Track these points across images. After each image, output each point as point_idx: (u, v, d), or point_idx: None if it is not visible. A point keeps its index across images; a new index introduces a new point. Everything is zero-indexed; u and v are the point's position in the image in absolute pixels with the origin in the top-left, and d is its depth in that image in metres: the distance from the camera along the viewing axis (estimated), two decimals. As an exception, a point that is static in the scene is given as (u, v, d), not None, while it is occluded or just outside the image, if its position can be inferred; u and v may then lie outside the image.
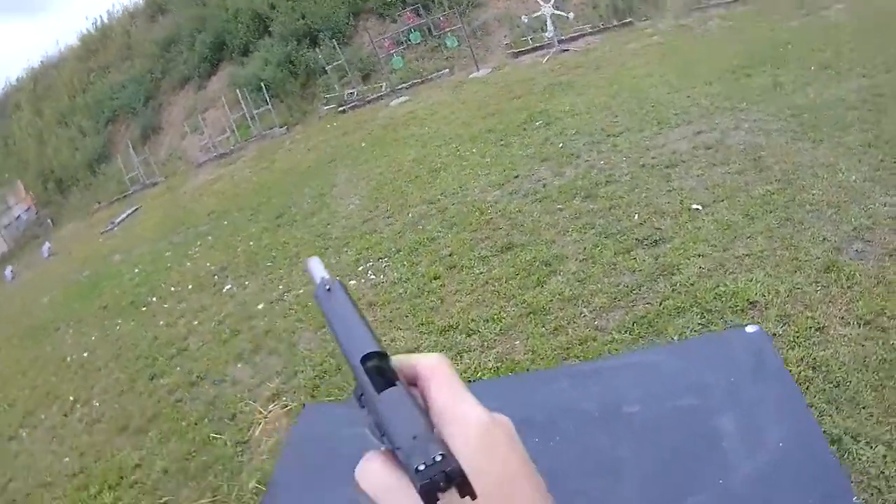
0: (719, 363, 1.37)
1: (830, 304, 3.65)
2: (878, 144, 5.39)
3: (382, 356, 0.53)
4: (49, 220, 15.99)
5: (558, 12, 12.72)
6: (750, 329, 1.52)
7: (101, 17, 21.17)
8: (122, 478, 4.43)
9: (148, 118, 16.72)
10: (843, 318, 3.52)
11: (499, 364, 4.05)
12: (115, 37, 19.75)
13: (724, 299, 3.88)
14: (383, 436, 0.49)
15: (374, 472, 0.50)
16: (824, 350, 3.28)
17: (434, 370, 0.53)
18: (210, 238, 9.40)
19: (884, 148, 5.31)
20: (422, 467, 0.42)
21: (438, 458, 0.43)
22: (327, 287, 0.62)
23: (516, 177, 7.11)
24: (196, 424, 4.69)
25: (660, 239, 4.87)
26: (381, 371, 0.52)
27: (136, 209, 13.79)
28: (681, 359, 1.51)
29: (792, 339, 3.38)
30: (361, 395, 0.52)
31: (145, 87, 17.33)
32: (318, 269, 0.66)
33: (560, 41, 12.88)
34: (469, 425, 0.48)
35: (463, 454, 0.44)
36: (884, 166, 5.01)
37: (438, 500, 0.42)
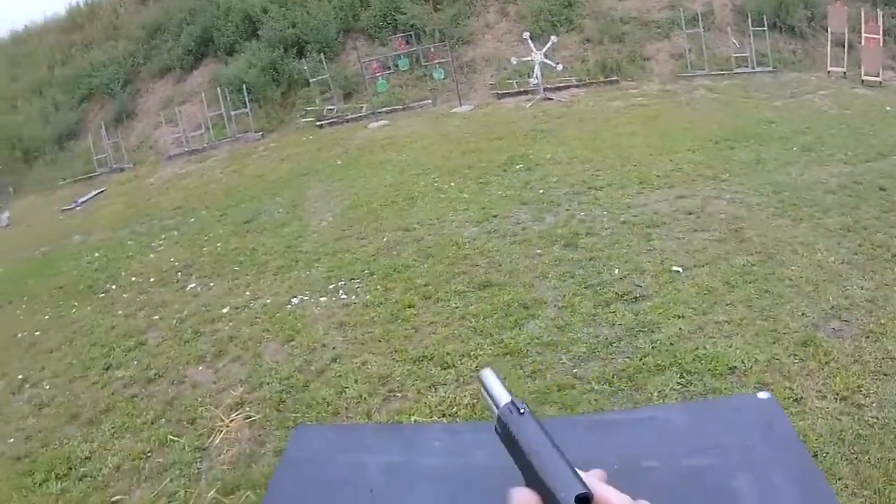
0: (734, 426, 1.41)
1: (808, 377, 3.81)
2: (857, 230, 5.64)
3: (589, 499, 0.56)
4: (10, 189, 15.50)
5: (547, 61, 12.94)
6: (762, 395, 1.55)
7: (91, -10, 20.73)
8: (70, 468, 4.30)
9: (124, 102, 16.46)
10: (820, 391, 3.68)
11: (475, 401, 4.07)
12: (103, 14, 19.38)
13: (703, 362, 4.03)
14: None
15: None
16: (802, 421, 3.41)
17: None
18: (175, 233, 9.25)
19: (862, 234, 5.54)
20: None
21: None
22: (520, 410, 0.63)
23: (495, 216, 7.20)
24: (152, 423, 4.60)
25: (640, 296, 5.00)
26: None
27: (101, 191, 13.50)
28: (696, 418, 1.59)
29: (771, 407, 3.48)
30: None
31: (125, 70, 17.06)
32: (497, 386, 0.67)
33: (545, 89, 13.09)
34: None
35: None
36: (862, 251, 5.24)
37: None
